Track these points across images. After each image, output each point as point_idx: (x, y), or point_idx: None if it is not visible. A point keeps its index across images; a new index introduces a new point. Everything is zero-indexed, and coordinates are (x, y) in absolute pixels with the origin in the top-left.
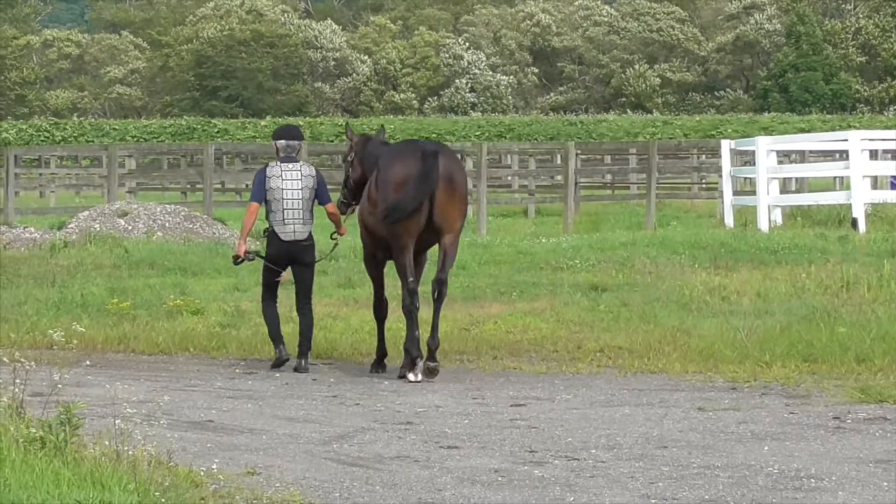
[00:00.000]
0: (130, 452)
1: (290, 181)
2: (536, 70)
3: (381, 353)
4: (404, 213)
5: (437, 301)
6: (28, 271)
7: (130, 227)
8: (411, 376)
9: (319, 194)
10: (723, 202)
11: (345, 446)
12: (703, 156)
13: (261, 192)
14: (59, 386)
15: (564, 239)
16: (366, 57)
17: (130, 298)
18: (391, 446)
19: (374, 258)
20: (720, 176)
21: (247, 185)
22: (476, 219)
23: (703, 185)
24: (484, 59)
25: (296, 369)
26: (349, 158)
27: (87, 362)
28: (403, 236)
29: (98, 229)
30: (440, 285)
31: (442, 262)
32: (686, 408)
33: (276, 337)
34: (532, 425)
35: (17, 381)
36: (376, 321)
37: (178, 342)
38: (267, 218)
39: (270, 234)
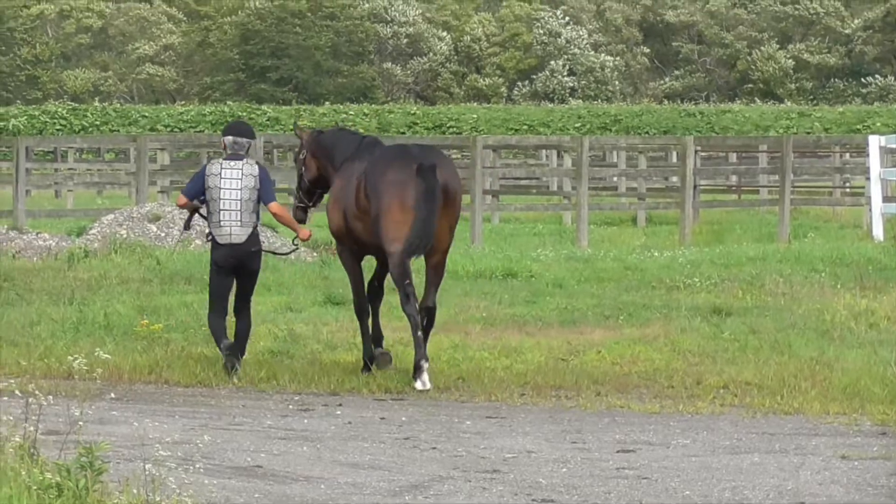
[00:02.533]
0: (163, 503)
1: (229, 180)
2: (647, 50)
3: (368, 355)
4: (426, 246)
5: (427, 328)
6: (42, 285)
7: (163, 234)
8: (418, 384)
9: (263, 193)
10: (870, 210)
11: (418, 498)
12: (848, 154)
13: (194, 189)
14: (80, 423)
15: (681, 252)
16: (444, 33)
17: (163, 319)
18: (474, 499)
19: (352, 252)
20: (867, 178)
21: None
22: (576, 227)
23: (847, 190)
24: (585, 36)
25: (231, 369)
26: (300, 157)
27: (112, 395)
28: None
29: (125, 236)
30: (428, 313)
31: (427, 288)
32: (827, 456)
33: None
34: (642, 475)
35: (31, 416)
36: (358, 320)
37: (219, 372)
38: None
39: (212, 238)
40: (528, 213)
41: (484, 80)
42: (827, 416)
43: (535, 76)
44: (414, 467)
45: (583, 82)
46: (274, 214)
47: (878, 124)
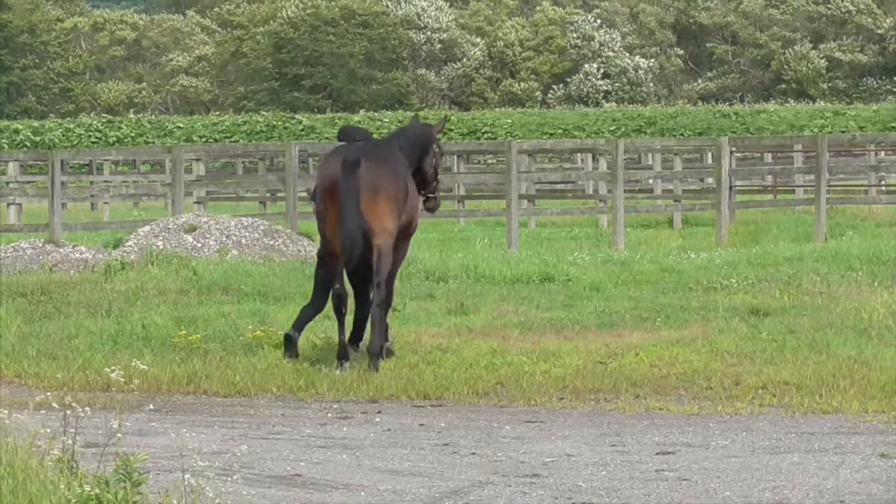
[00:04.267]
0: None
1: None
2: (681, 52)
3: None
4: (353, 244)
5: (373, 306)
6: (79, 298)
7: (200, 245)
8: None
9: None
10: None
11: None
12: (883, 152)
13: None
14: (118, 435)
15: (718, 253)
16: (478, 39)
17: (201, 330)
18: (514, 503)
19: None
20: None
21: None
22: (612, 230)
23: (884, 188)
24: (619, 39)
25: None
26: None
27: (151, 406)
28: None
29: (161, 247)
30: (375, 288)
31: (375, 265)
32: (866, 454)
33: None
34: (682, 477)
35: (69, 429)
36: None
37: (258, 381)
38: None
39: None
40: (564, 217)
41: (518, 85)
42: (866, 415)
43: (569, 80)
44: (453, 473)
45: (617, 85)
46: None
47: None
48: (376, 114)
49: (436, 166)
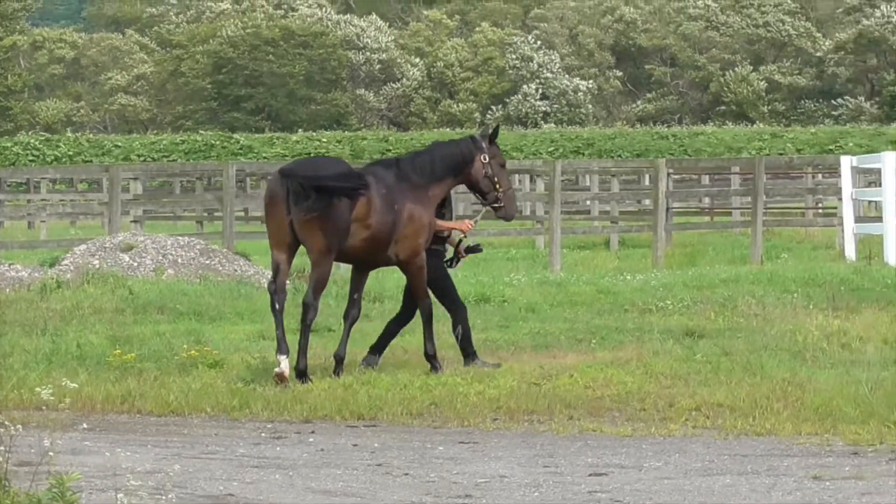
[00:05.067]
0: None
1: None
2: (620, 74)
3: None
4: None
5: (301, 323)
6: (14, 317)
7: (136, 264)
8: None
9: None
10: (843, 230)
11: None
12: (820, 175)
13: None
14: (51, 453)
15: (654, 275)
16: (417, 59)
17: (136, 349)
18: None
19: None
20: (839, 199)
21: None
22: (549, 252)
23: (820, 210)
24: (558, 60)
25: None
26: None
27: (85, 425)
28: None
29: (97, 266)
30: (302, 307)
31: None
32: (799, 476)
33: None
34: (615, 498)
35: (1, 447)
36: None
37: (192, 401)
38: None
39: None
40: (501, 238)
41: (457, 106)
42: (799, 437)
43: (507, 101)
44: (386, 494)
45: (555, 106)
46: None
47: (851, 145)
48: (315, 133)
49: (489, 175)
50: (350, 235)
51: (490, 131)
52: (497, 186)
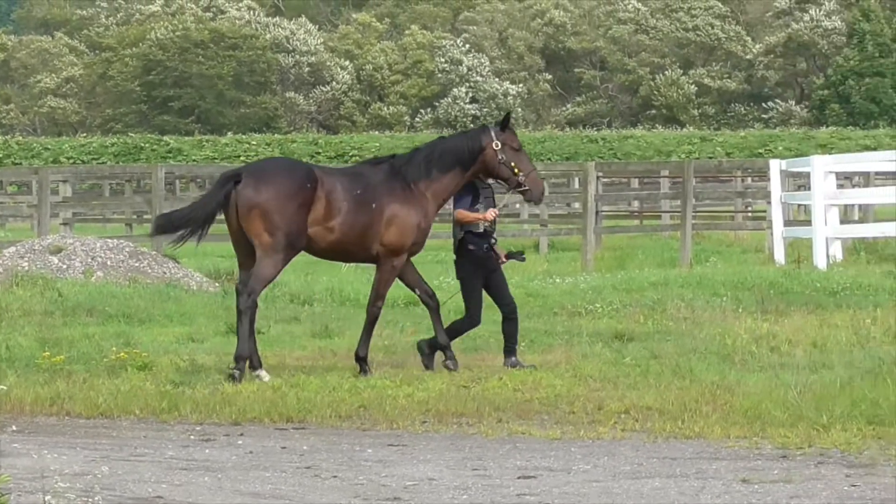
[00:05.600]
0: None
1: None
2: (550, 77)
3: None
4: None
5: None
6: None
7: (65, 266)
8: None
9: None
10: (772, 234)
11: None
12: (749, 178)
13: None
14: None
15: (583, 278)
16: (347, 62)
17: (65, 351)
18: None
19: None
20: (769, 203)
21: None
22: None
23: (749, 214)
24: (487, 63)
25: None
26: None
27: (13, 427)
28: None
29: (26, 268)
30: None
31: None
32: (728, 479)
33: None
34: (544, 501)
35: None
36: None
37: (121, 403)
38: None
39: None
40: (431, 241)
41: (387, 109)
42: (728, 440)
43: (437, 104)
44: (315, 496)
45: (485, 109)
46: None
47: (780, 148)
48: (244, 136)
49: (504, 161)
50: (315, 236)
51: (502, 119)
52: (516, 171)
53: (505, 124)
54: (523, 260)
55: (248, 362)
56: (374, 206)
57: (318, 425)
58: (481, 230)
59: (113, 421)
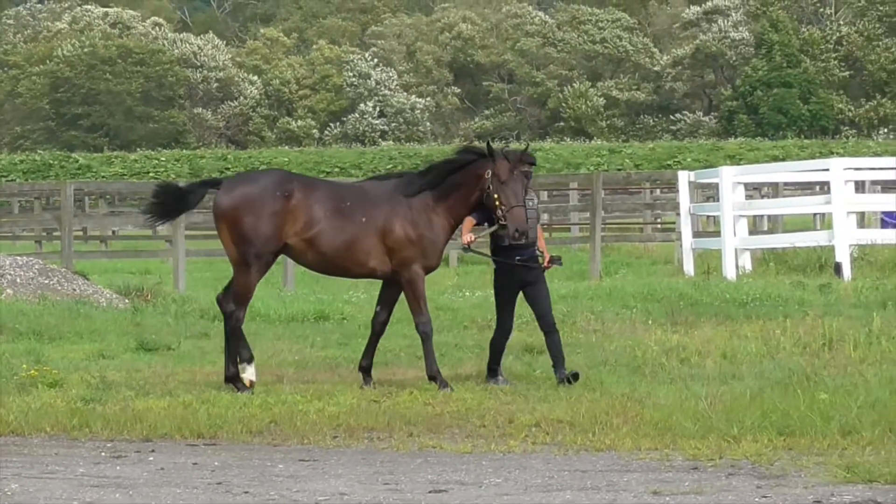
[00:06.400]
0: None
1: None
2: (458, 90)
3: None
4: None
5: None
6: None
7: None
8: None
9: None
10: (681, 245)
11: None
12: (658, 190)
13: None
14: None
15: (493, 292)
16: (255, 77)
17: None
18: None
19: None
20: (678, 214)
21: (113, 232)
22: None
23: (658, 226)
24: (395, 77)
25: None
26: None
27: None
28: None
29: None
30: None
31: None
32: (638, 492)
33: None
34: None
35: None
36: None
37: (32, 420)
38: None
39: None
40: None
41: (295, 123)
42: (639, 452)
43: (345, 118)
44: None
45: (393, 124)
46: None
47: (689, 160)
48: (153, 152)
49: (489, 191)
50: (296, 248)
51: (522, 149)
52: (497, 203)
53: (517, 158)
54: (560, 264)
55: (245, 365)
56: (363, 219)
57: (229, 441)
58: (506, 243)
59: (24, 438)
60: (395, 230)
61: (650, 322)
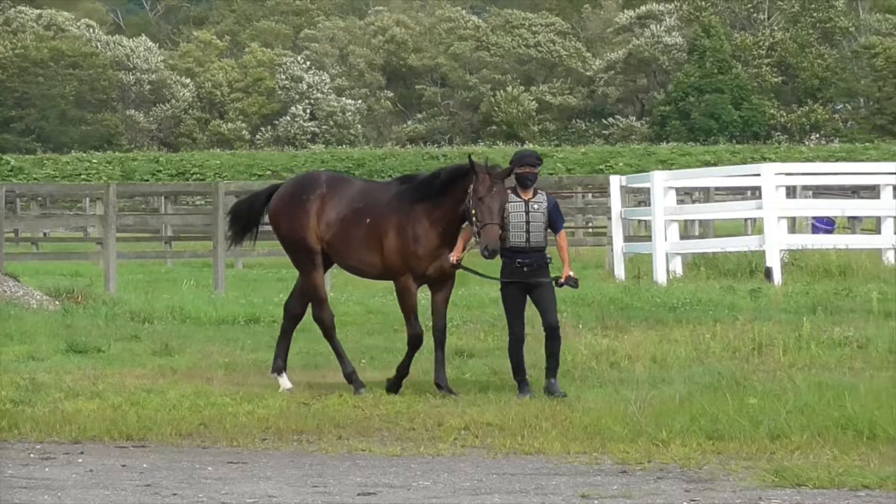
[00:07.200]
0: None
1: None
2: (391, 94)
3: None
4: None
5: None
6: None
7: None
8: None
9: None
10: (612, 250)
11: None
12: (590, 195)
13: None
14: None
15: (423, 295)
16: (187, 79)
17: None
18: None
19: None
20: (609, 218)
21: (45, 234)
22: None
23: (590, 230)
24: (328, 80)
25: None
26: None
27: None
28: None
29: None
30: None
31: None
32: (567, 495)
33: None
34: None
35: None
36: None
37: None
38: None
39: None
40: (271, 259)
41: (227, 126)
42: (568, 456)
43: (277, 121)
44: None
45: (324, 127)
46: None
47: (621, 164)
48: (86, 154)
49: (467, 206)
50: (325, 246)
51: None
52: (473, 219)
53: (498, 173)
54: (575, 286)
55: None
56: (367, 220)
57: (158, 443)
58: (507, 246)
59: None
60: (389, 236)
61: (580, 326)
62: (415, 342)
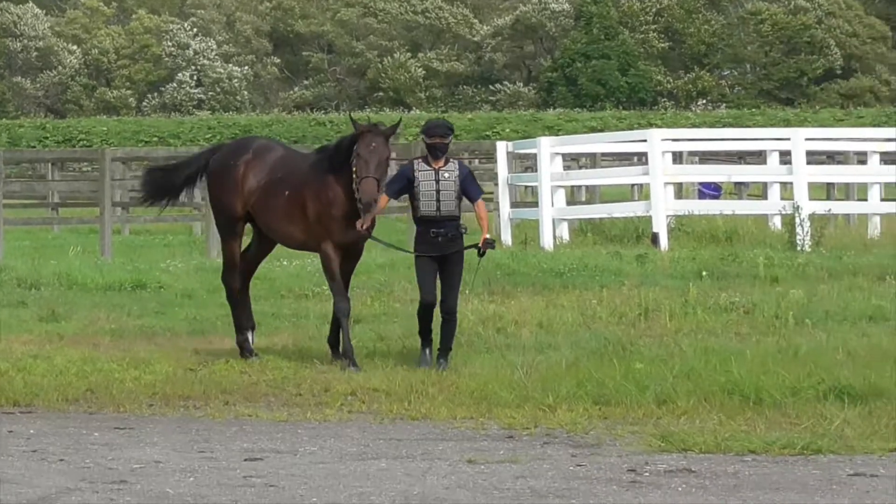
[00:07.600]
0: None
1: None
2: (278, 60)
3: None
4: None
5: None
6: None
7: None
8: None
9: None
10: (499, 215)
11: None
12: (477, 160)
13: None
14: None
15: (310, 262)
16: (74, 46)
17: None
18: None
19: None
20: (496, 184)
21: None
22: (206, 238)
23: None
24: (215, 47)
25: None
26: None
27: None
28: None
29: None
30: None
31: None
32: (454, 460)
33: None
34: (270, 483)
35: None
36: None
37: None
38: None
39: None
40: (158, 225)
41: (113, 93)
42: (454, 421)
43: (163, 88)
44: (41, 480)
45: (211, 93)
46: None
47: (508, 130)
48: None
49: (357, 171)
50: (251, 213)
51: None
52: (354, 175)
53: (385, 131)
54: (493, 247)
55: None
56: (287, 192)
57: (45, 409)
58: (418, 216)
59: None
60: (303, 203)
61: (467, 292)
62: (342, 312)
